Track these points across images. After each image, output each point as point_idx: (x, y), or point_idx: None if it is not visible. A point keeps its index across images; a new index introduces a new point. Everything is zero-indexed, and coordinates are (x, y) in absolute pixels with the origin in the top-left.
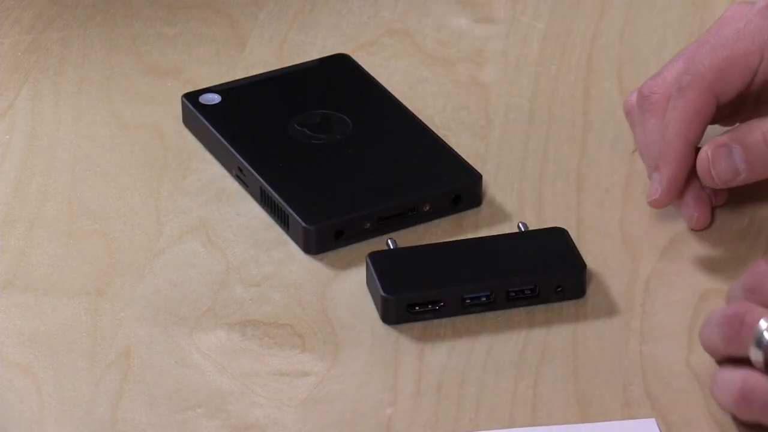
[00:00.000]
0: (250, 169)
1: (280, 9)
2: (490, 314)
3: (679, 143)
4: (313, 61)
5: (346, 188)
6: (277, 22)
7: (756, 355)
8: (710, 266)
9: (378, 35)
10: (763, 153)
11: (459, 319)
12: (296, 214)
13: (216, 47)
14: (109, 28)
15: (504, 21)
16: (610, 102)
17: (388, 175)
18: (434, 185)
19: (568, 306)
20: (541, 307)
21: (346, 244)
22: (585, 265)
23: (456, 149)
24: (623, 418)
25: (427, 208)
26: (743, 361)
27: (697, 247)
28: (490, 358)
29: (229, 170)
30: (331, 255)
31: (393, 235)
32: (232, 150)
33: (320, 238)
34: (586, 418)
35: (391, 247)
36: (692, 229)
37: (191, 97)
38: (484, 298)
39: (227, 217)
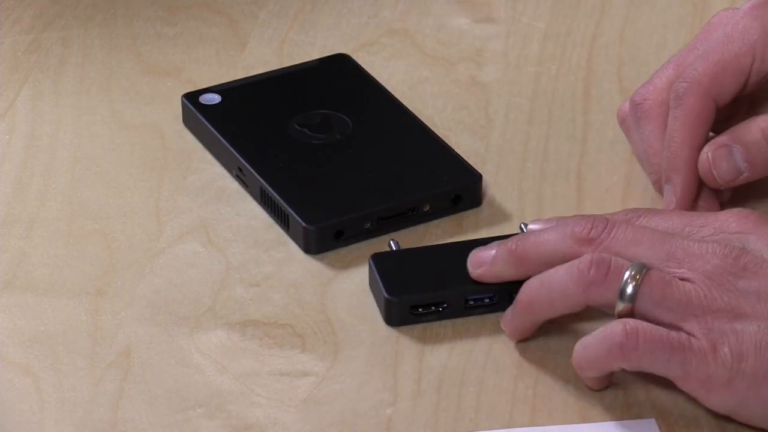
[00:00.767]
0: (250, 169)
1: (280, 9)
2: (491, 315)
3: (685, 151)
4: (313, 61)
5: (346, 188)
6: (277, 22)
7: (620, 306)
8: None
9: (378, 35)
10: (764, 150)
11: (459, 320)
12: (296, 214)
13: (216, 47)
14: (109, 28)
15: (504, 21)
16: (610, 102)
17: (388, 175)
18: (434, 185)
19: None
20: None
21: (346, 244)
22: None
23: (456, 149)
24: (623, 418)
25: (427, 208)
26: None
27: None
28: (490, 358)
29: (229, 170)
30: (331, 255)
31: (393, 235)
32: (232, 150)
33: (320, 238)
34: (586, 418)
35: (394, 248)
36: None
37: (191, 97)
38: (487, 300)
39: (227, 217)
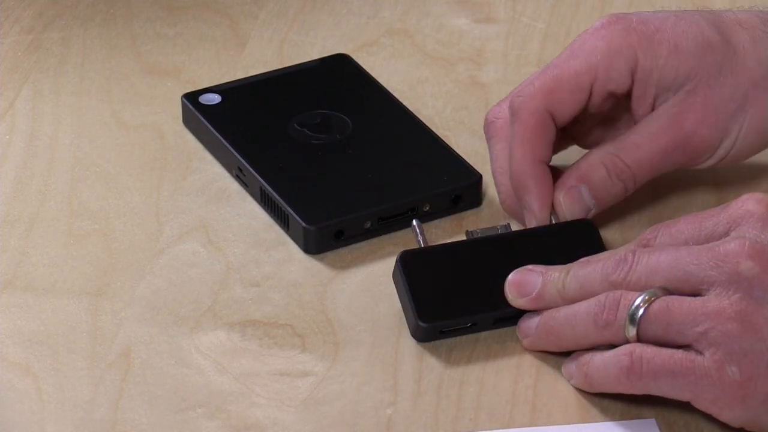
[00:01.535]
0: (250, 169)
1: (280, 9)
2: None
3: (527, 167)
4: (313, 61)
5: (346, 188)
6: (277, 22)
7: (630, 332)
8: None
9: (378, 35)
10: (609, 187)
11: None
12: (296, 214)
13: (216, 47)
14: (109, 28)
15: (504, 21)
16: None
17: (388, 175)
18: (434, 185)
19: None
20: None
21: (346, 244)
22: None
23: (456, 149)
24: (623, 418)
25: (427, 208)
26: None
27: None
28: (490, 358)
29: (229, 170)
30: (331, 255)
31: (393, 235)
32: (232, 150)
33: (320, 238)
34: (586, 418)
35: (419, 238)
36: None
37: (191, 97)
38: (514, 317)
39: (227, 217)
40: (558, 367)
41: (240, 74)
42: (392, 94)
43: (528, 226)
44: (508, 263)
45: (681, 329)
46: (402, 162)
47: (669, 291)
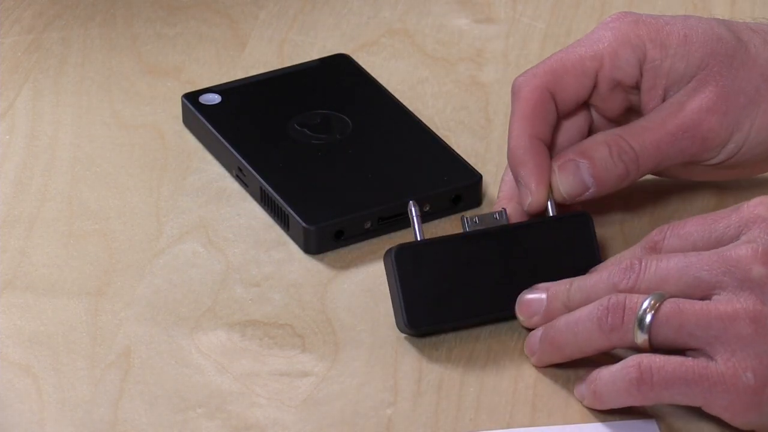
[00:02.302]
0: (250, 169)
1: (280, 9)
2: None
3: (524, 141)
4: (313, 61)
5: (346, 188)
6: (277, 22)
7: (640, 337)
8: None
9: (378, 35)
10: (610, 167)
11: None
12: (296, 214)
13: (216, 47)
14: (109, 28)
15: (504, 21)
16: None
17: (388, 175)
18: (434, 185)
19: None
20: None
21: (346, 244)
22: None
23: (456, 149)
24: (623, 418)
25: (427, 208)
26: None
27: None
28: (490, 358)
29: (229, 170)
30: (331, 255)
31: (393, 235)
32: (232, 150)
33: (320, 238)
34: (586, 418)
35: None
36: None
37: (191, 97)
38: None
39: (227, 217)
40: (558, 367)
41: (240, 74)
42: (392, 94)
43: (524, 206)
44: (502, 261)
45: (693, 331)
46: (402, 162)
47: (675, 296)
